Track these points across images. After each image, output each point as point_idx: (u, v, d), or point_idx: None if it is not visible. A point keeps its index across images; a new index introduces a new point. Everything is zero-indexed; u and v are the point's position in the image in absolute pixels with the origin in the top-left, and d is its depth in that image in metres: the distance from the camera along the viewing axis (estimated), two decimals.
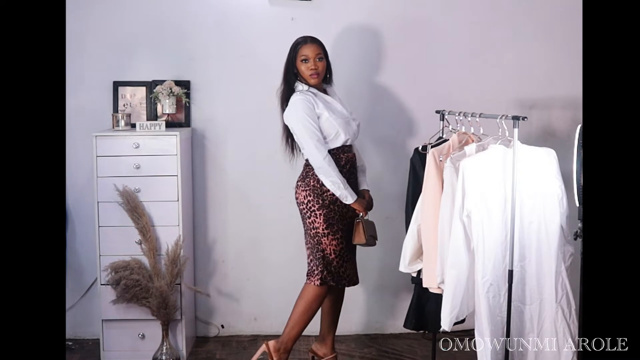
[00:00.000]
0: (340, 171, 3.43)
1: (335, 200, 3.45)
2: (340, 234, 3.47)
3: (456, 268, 2.97)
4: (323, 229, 3.45)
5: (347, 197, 3.42)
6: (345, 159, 3.51)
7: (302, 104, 3.42)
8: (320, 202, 3.44)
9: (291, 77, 3.51)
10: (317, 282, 3.46)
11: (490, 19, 4.25)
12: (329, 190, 3.43)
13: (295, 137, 3.50)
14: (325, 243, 3.45)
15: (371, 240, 3.52)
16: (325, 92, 3.59)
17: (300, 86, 3.51)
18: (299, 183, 3.53)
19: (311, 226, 3.47)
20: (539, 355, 3.00)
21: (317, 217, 3.45)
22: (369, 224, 3.52)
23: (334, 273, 3.47)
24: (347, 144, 3.52)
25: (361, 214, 3.49)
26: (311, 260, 3.51)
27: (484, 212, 2.93)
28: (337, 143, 3.47)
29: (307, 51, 3.47)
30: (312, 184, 3.47)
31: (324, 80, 3.58)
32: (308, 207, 3.47)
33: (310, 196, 3.46)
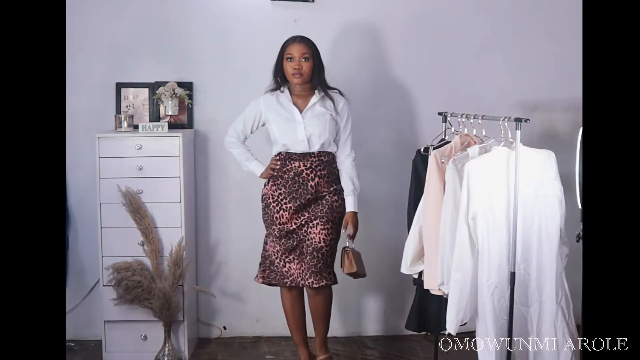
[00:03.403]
0: (281, 177, 3.48)
1: (269, 204, 3.51)
2: (272, 238, 3.52)
3: (461, 271, 2.96)
4: (265, 229, 3.59)
5: (254, 172, 3.57)
6: (288, 166, 3.48)
7: (255, 101, 3.57)
8: (263, 204, 3.57)
9: (277, 78, 3.53)
10: (257, 280, 3.62)
11: (492, 21, 4.25)
12: (267, 194, 3.53)
13: None
14: (267, 242, 3.58)
15: (361, 270, 3.56)
16: (311, 94, 3.51)
17: (283, 87, 3.53)
18: None
19: None
20: (537, 356, 3.00)
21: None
22: (356, 254, 3.54)
23: (277, 272, 3.54)
24: (295, 151, 3.47)
25: (349, 242, 3.53)
26: None
27: (488, 214, 2.93)
28: (277, 149, 3.51)
29: (293, 50, 3.45)
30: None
31: (312, 82, 3.50)
32: None
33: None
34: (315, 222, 3.45)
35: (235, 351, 4.12)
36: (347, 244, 3.53)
